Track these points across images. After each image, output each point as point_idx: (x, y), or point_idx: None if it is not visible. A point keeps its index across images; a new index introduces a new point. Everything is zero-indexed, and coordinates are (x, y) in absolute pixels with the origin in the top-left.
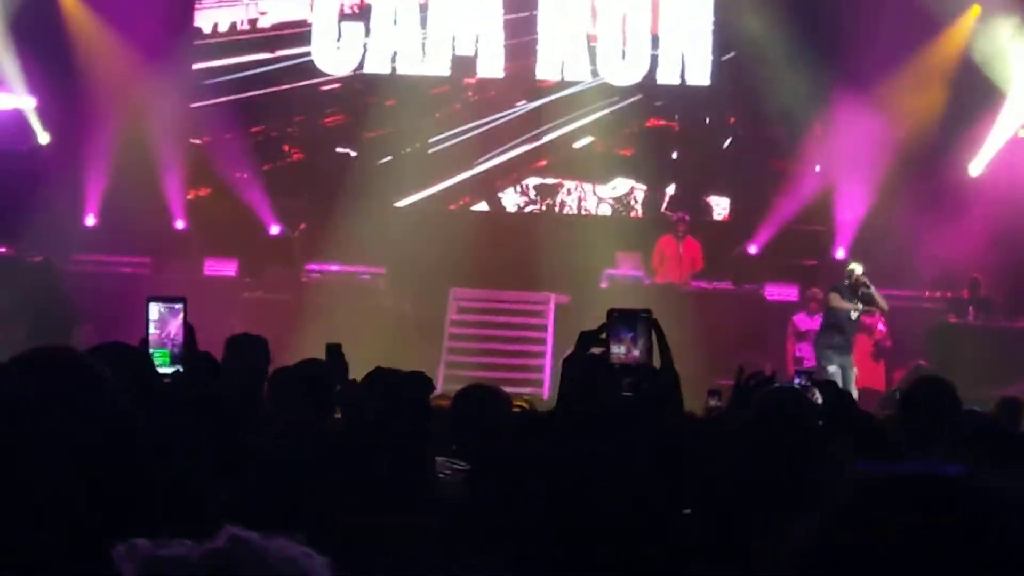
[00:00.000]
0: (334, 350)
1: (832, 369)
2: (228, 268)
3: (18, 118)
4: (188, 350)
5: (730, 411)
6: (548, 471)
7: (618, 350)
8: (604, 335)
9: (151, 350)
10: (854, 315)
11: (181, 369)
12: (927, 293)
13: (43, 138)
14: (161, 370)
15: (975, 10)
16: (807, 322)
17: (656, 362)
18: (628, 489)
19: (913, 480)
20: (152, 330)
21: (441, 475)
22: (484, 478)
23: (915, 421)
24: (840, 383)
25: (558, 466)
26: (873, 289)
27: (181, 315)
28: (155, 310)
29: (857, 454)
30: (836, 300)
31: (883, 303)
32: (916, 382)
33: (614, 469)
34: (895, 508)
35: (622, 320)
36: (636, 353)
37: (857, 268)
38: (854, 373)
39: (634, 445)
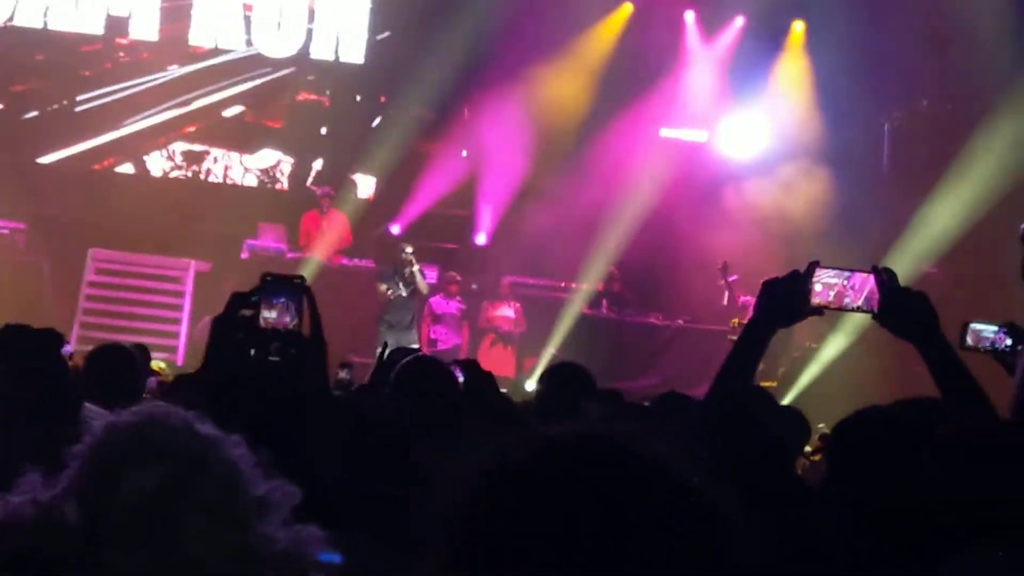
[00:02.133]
0: None
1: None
2: None
3: None
4: None
5: (375, 380)
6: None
7: (269, 314)
8: (256, 298)
9: None
10: (392, 295)
11: None
12: (563, 284)
13: None
14: None
15: (627, 8)
16: (443, 305)
17: (306, 330)
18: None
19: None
20: None
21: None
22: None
23: (549, 405)
24: None
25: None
26: (417, 269)
27: None
28: None
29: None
30: (379, 288)
31: (423, 285)
32: (549, 368)
33: (260, 428)
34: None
35: (275, 285)
36: (287, 318)
37: (407, 248)
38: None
39: (281, 406)
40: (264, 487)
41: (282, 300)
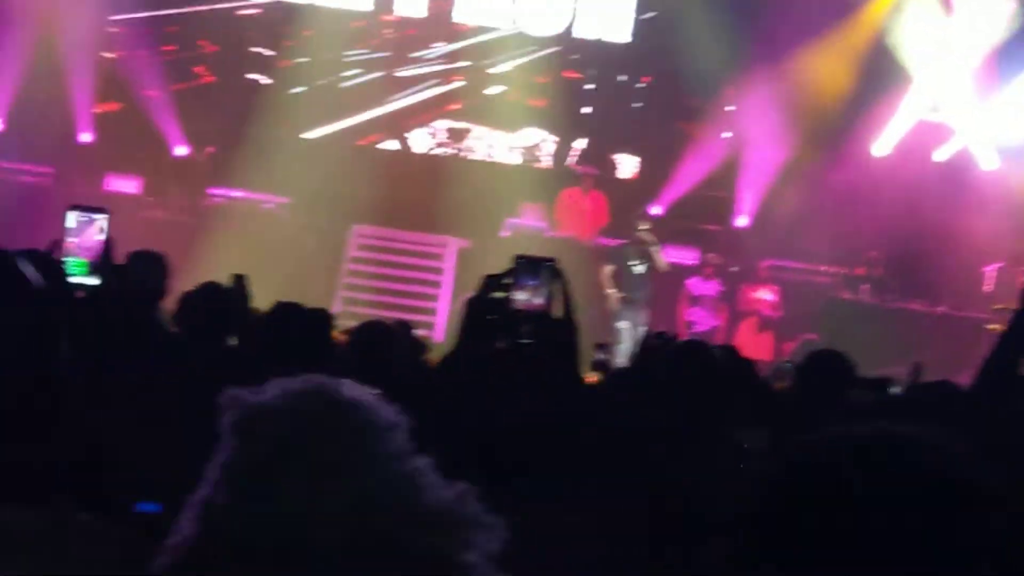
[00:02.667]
0: (239, 280)
1: (622, 324)
2: (130, 185)
3: None
4: (105, 263)
5: (636, 364)
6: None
7: (521, 296)
8: (508, 280)
9: (66, 259)
10: (636, 271)
11: (99, 282)
12: (823, 267)
13: None
14: (77, 280)
15: None
16: (701, 286)
17: (559, 312)
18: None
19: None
20: (69, 238)
21: None
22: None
23: (810, 392)
24: (630, 338)
25: (455, 404)
26: (654, 246)
27: (101, 226)
28: (72, 219)
29: (755, 419)
30: (604, 268)
31: (661, 263)
32: (811, 355)
33: (511, 410)
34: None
35: (527, 266)
36: (538, 300)
37: (643, 225)
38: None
39: (531, 389)
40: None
41: (534, 282)
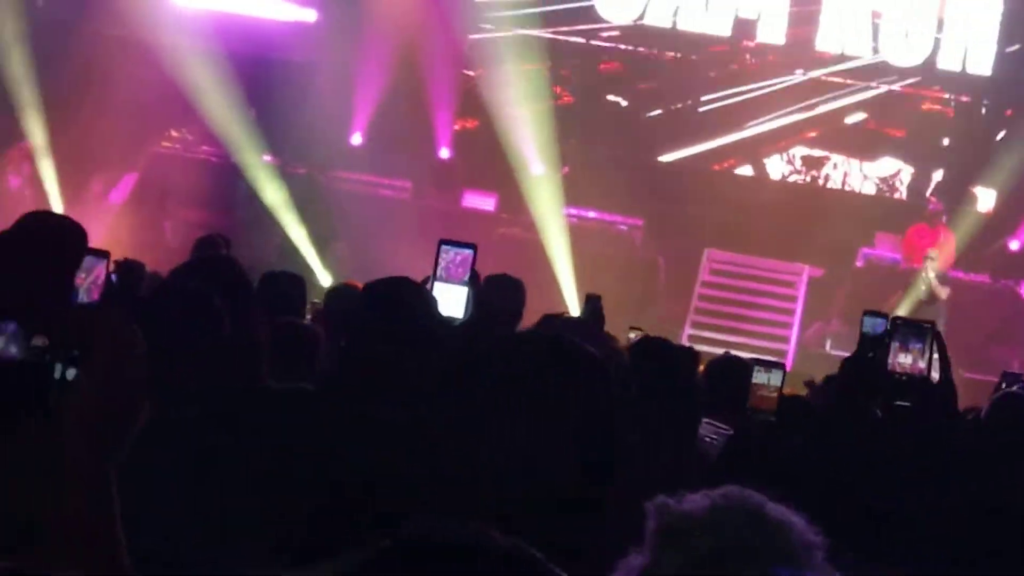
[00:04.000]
0: (593, 301)
1: None
2: (487, 202)
3: (297, 30)
4: (472, 297)
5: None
6: (813, 458)
7: (902, 359)
8: (887, 340)
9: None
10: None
11: (465, 315)
12: None
13: (319, 52)
14: (448, 314)
15: None
16: None
17: (937, 375)
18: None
19: None
20: (440, 270)
21: (707, 439)
22: (743, 445)
23: None
24: None
25: (823, 456)
26: (932, 275)
27: (470, 261)
28: (444, 251)
29: None
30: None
31: (939, 291)
32: None
33: (886, 471)
34: None
35: (906, 329)
36: (919, 364)
37: (931, 253)
38: None
39: (905, 450)
40: None
41: (913, 345)
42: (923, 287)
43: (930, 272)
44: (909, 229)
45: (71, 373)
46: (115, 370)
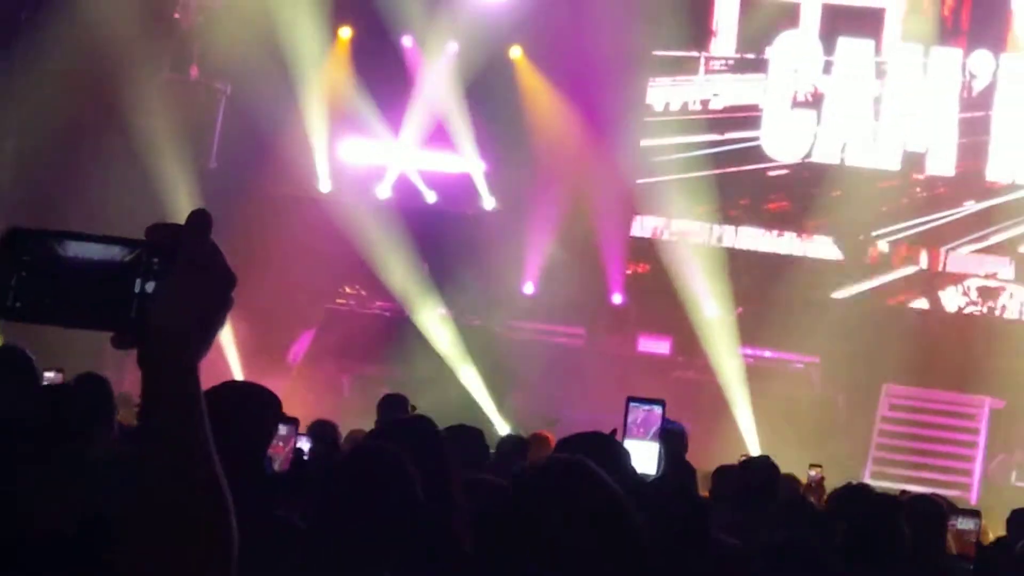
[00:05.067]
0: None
1: None
2: (662, 345)
3: (467, 182)
4: (670, 457)
5: None
6: None
7: None
8: None
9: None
10: None
11: (658, 473)
12: None
13: (489, 203)
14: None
15: None
16: None
17: None
18: None
19: None
20: (631, 426)
21: None
22: None
23: None
24: None
25: None
26: None
27: (659, 417)
28: (633, 410)
29: None
30: None
31: None
32: None
33: None
34: None
35: None
36: None
37: None
38: None
39: None
40: None
41: None
42: None
43: None
44: None
45: (151, 286)
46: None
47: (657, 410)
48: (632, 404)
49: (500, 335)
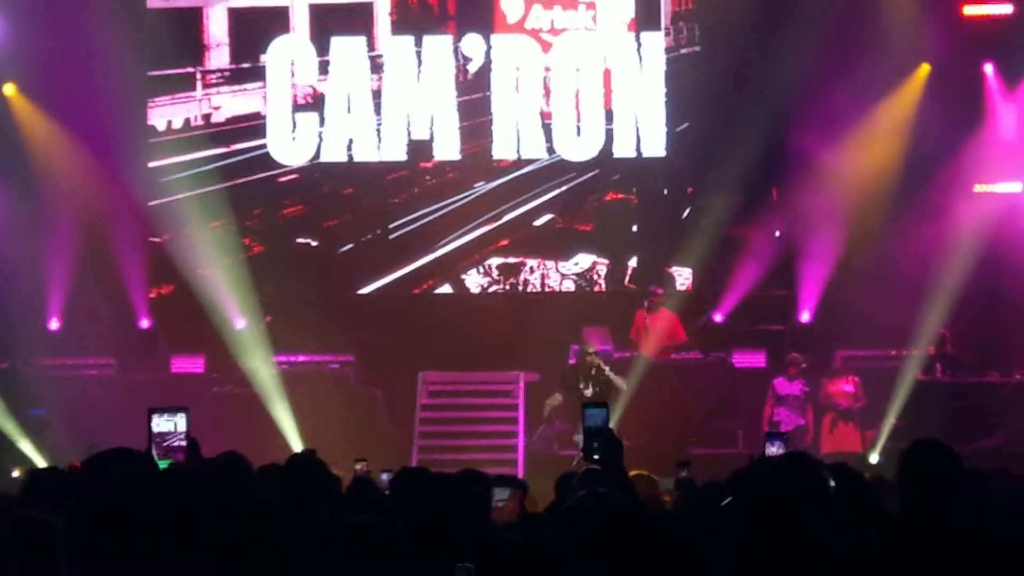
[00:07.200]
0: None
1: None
2: (195, 365)
3: None
4: (192, 463)
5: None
6: None
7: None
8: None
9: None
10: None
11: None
12: (894, 352)
13: (6, 247)
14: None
15: (924, 68)
16: (786, 386)
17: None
18: None
19: None
20: (154, 442)
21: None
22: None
23: (914, 487)
24: None
25: None
26: (606, 368)
27: (184, 426)
28: (157, 422)
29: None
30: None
31: (618, 383)
32: (912, 446)
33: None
34: None
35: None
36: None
37: (590, 349)
38: None
39: None
40: None
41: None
42: (588, 383)
43: (601, 366)
44: (635, 315)
45: None
46: None
47: (180, 417)
48: (153, 415)
49: (28, 374)
